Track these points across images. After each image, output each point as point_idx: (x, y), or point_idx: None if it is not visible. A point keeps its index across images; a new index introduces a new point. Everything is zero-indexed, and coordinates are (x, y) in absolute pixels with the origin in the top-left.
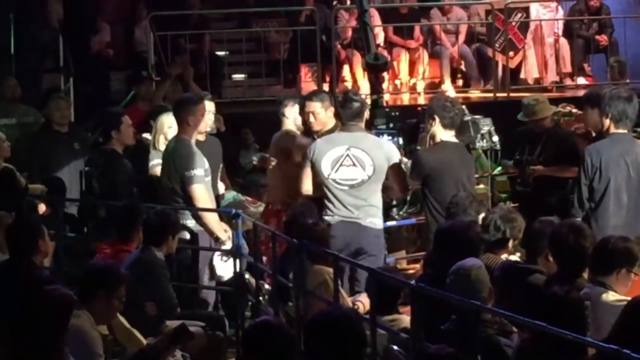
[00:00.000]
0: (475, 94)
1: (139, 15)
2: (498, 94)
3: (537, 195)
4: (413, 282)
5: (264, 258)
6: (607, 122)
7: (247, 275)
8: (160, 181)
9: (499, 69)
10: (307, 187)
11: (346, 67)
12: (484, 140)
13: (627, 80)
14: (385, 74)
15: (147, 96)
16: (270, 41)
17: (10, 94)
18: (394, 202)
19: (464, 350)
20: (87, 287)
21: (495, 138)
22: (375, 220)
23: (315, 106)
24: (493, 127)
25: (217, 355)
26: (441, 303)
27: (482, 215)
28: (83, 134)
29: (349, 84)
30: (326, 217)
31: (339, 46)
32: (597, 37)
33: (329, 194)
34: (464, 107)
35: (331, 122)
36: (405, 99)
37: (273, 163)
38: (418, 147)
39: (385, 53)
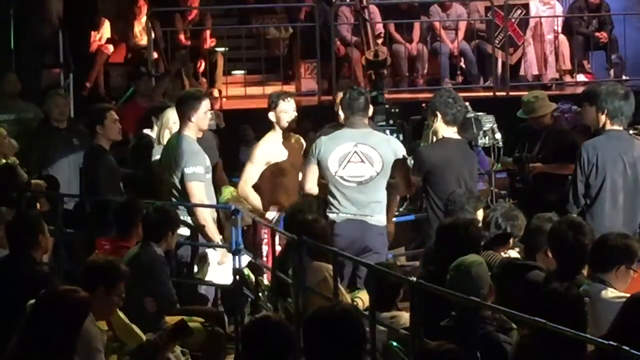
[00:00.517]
0: (475, 91)
1: (138, 11)
2: (497, 92)
3: (536, 193)
4: (413, 278)
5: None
6: (603, 118)
7: (246, 272)
8: (161, 177)
9: (499, 66)
10: (310, 185)
11: (346, 64)
12: (487, 137)
13: (627, 78)
14: (384, 71)
15: (146, 92)
16: (270, 38)
17: (9, 89)
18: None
19: (463, 346)
20: (87, 283)
21: (498, 135)
22: (380, 218)
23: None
24: (496, 125)
25: (216, 351)
26: (441, 300)
27: (480, 212)
28: (82, 129)
29: (348, 81)
30: (331, 215)
31: (338, 42)
32: (596, 34)
33: (335, 192)
34: (467, 103)
35: None
36: (405, 95)
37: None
38: (422, 144)
39: (385, 49)
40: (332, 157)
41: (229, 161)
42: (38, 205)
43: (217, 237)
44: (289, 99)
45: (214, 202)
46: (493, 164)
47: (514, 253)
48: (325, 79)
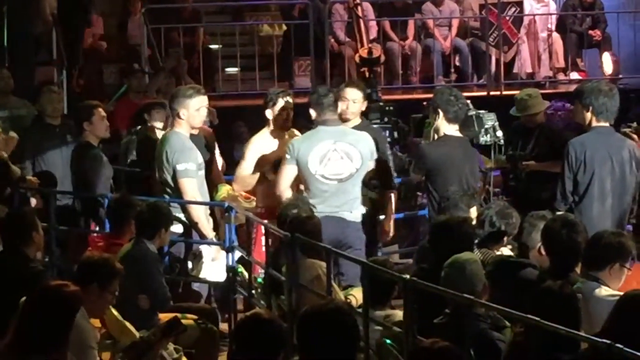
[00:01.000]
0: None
1: (132, 8)
2: (491, 90)
3: (529, 191)
4: (406, 276)
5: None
6: (588, 115)
7: (239, 269)
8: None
9: (492, 64)
10: (284, 187)
11: (339, 61)
12: (488, 135)
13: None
14: (378, 68)
15: (138, 89)
16: (264, 35)
17: (2, 86)
18: None
19: (457, 344)
20: (81, 279)
21: (499, 133)
22: (357, 214)
23: (357, 94)
24: (497, 122)
25: (209, 348)
26: (435, 297)
27: (473, 209)
28: (74, 126)
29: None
30: None
31: (332, 40)
32: (590, 32)
33: (315, 191)
34: (468, 101)
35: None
36: (399, 93)
37: None
38: (423, 141)
39: (379, 47)
40: (312, 156)
41: (223, 158)
42: (34, 201)
43: (210, 234)
44: (288, 96)
45: (207, 198)
46: (487, 162)
47: (507, 251)
48: (319, 76)
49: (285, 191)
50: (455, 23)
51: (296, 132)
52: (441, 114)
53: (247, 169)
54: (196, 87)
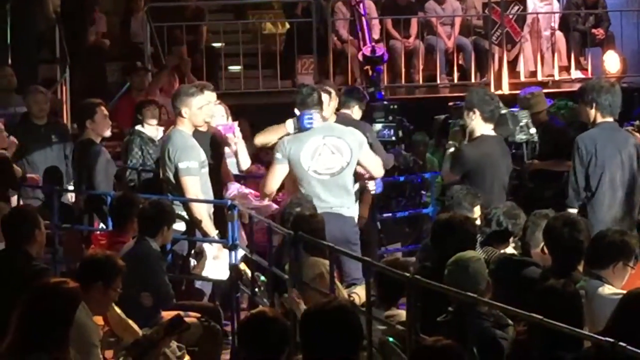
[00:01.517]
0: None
1: (135, 6)
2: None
3: (533, 189)
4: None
5: None
6: (592, 112)
7: (242, 267)
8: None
9: (495, 63)
10: (272, 187)
11: (342, 60)
12: (523, 133)
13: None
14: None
15: (141, 87)
16: (267, 33)
17: (6, 84)
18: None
19: (460, 342)
20: (85, 277)
21: (533, 130)
22: (353, 209)
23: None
24: (530, 119)
25: (212, 346)
26: (438, 295)
27: (477, 208)
28: (61, 126)
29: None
30: None
31: (335, 38)
32: (593, 30)
33: (308, 187)
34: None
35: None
36: (402, 92)
37: None
38: (450, 142)
39: (382, 45)
40: (303, 153)
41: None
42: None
43: (212, 232)
44: (325, 94)
45: (211, 196)
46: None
47: (510, 249)
48: (322, 74)
49: (273, 191)
50: (458, 21)
51: None
52: (477, 113)
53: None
54: (201, 84)
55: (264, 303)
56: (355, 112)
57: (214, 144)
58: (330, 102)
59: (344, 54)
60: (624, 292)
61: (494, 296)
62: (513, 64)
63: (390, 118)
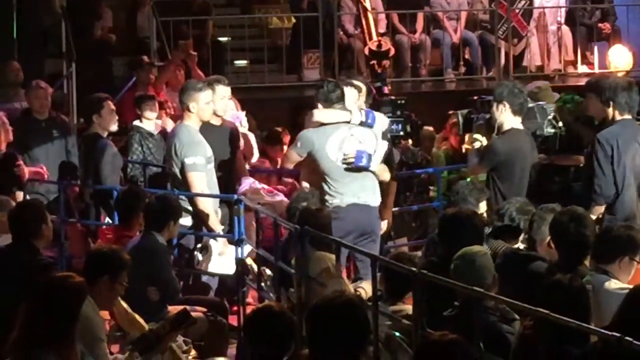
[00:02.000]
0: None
1: (141, 0)
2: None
3: (539, 184)
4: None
5: None
6: (610, 111)
7: (249, 261)
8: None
9: (502, 57)
10: (289, 165)
11: (349, 54)
12: (551, 126)
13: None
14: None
15: (147, 81)
16: (273, 27)
17: (12, 78)
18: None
19: (466, 336)
20: (91, 271)
21: (560, 123)
22: (377, 198)
23: None
24: (557, 113)
25: (218, 340)
26: (444, 290)
27: (482, 203)
28: (62, 121)
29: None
30: (334, 201)
31: (341, 33)
32: (599, 25)
33: (336, 178)
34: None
35: None
36: (408, 86)
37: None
38: (475, 136)
39: (388, 40)
40: (329, 145)
41: None
42: (20, 194)
43: (218, 228)
44: (349, 86)
45: (217, 192)
46: None
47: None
48: (328, 69)
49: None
50: (464, 15)
51: None
52: (507, 106)
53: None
54: (216, 78)
55: (270, 297)
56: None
57: (228, 138)
58: (359, 97)
59: (350, 49)
60: (631, 286)
61: (500, 291)
62: (519, 58)
63: (399, 113)
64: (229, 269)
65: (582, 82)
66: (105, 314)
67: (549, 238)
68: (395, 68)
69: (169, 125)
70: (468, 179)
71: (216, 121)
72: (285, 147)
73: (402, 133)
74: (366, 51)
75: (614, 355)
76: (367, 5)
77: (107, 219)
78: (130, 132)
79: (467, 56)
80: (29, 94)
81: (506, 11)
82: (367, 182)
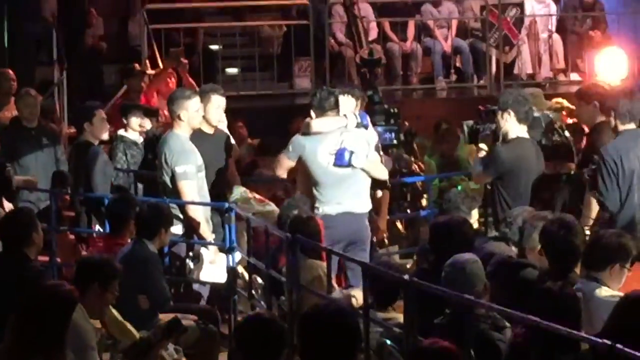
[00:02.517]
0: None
1: (132, 8)
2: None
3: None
4: (406, 276)
5: None
6: (612, 120)
7: (240, 269)
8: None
9: (493, 65)
10: (281, 175)
11: (340, 62)
12: (556, 135)
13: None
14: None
15: (138, 89)
16: (264, 35)
17: (6, 87)
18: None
19: (457, 344)
20: (82, 280)
21: (567, 133)
22: (367, 203)
23: None
24: (563, 123)
25: (210, 348)
26: (435, 297)
27: (474, 212)
28: (52, 129)
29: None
30: (325, 208)
31: (332, 41)
32: (590, 33)
33: (327, 185)
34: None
35: None
36: (399, 94)
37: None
38: (481, 146)
39: (379, 48)
40: (320, 150)
41: None
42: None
43: (209, 236)
44: (348, 95)
45: (207, 200)
46: None
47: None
48: (319, 77)
49: (283, 176)
50: (454, 24)
51: None
52: (512, 114)
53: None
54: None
55: (262, 306)
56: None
57: (220, 146)
58: (356, 107)
59: (341, 57)
60: (622, 294)
61: (491, 298)
62: (510, 66)
63: (392, 121)
64: (220, 277)
65: (573, 89)
66: (96, 322)
67: (539, 246)
68: (386, 76)
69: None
70: (459, 187)
71: (208, 129)
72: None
73: (395, 142)
74: (357, 59)
75: None
76: (357, 13)
77: (98, 227)
78: (114, 141)
79: (458, 64)
80: (19, 101)
81: (497, 19)
82: (355, 189)
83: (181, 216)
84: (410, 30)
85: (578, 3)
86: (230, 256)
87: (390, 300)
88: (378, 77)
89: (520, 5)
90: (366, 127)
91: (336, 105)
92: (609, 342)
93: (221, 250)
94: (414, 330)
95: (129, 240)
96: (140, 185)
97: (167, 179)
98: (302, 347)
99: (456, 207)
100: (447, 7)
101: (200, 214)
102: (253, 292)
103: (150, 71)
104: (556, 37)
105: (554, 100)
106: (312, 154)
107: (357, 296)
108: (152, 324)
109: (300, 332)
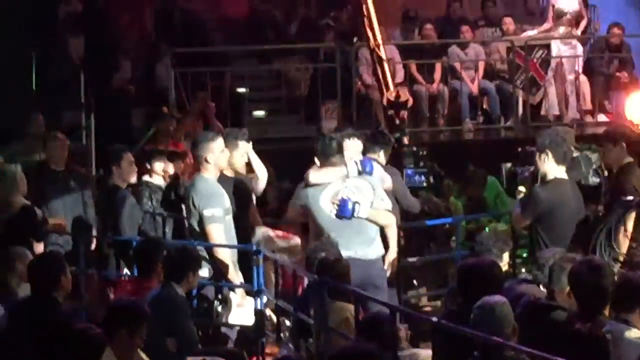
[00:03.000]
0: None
1: (159, 52)
2: (519, 133)
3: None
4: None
5: None
6: None
7: (268, 312)
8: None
9: (520, 106)
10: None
11: (367, 105)
12: (596, 176)
13: None
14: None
15: (166, 133)
16: (291, 78)
17: (35, 131)
18: None
19: None
20: (111, 324)
21: (606, 173)
22: (379, 248)
23: None
24: (602, 162)
25: None
26: (463, 339)
27: (505, 255)
28: (80, 173)
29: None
30: None
31: (359, 83)
32: (617, 74)
33: (332, 231)
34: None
35: None
36: (426, 136)
37: None
38: (520, 188)
39: (406, 90)
40: (322, 199)
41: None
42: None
43: (237, 279)
44: (353, 138)
45: (235, 243)
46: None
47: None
48: (346, 119)
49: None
50: (481, 65)
51: None
52: (550, 155)
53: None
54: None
55: (289, 348)
56: (381, 157)
57: (240, 190)
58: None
59: (368, 99)
60: None
61: (520, 340)
62: (537, 107)
63: (421, 164)
64: (248, 319)
65: (600, 131)
66: None
67: (568, 287)
68: (413, 118)
69: None
70: (487, 229)
71: (230, 172)
72: None
73: (425, 184)
74: (384, 102)
75: None
76: (383, 55)
77: (126, 270)
78: (140, 187)
79: (485, 106)
80: (47, 145)
81: (524, 61)
82: (363, 236)
83: (209, 259)
84: (437, 72)
85: (605, 44)
86: (258, 299)
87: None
88: (405, 120)
89: (547, 47)
90: (370, 173)
91: (339, 151)
92: None
93: (249, 293)
94: None
95: (157, 284)
96: (167, 229)
97: (195, 223)
98: None
99: (488, 249)
100: (474, 49)
101: (228, 257)
102: (281, 334)
103: (177, 114)
104: (583, 78)
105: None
106: (315, 203)
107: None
108: None
109: None
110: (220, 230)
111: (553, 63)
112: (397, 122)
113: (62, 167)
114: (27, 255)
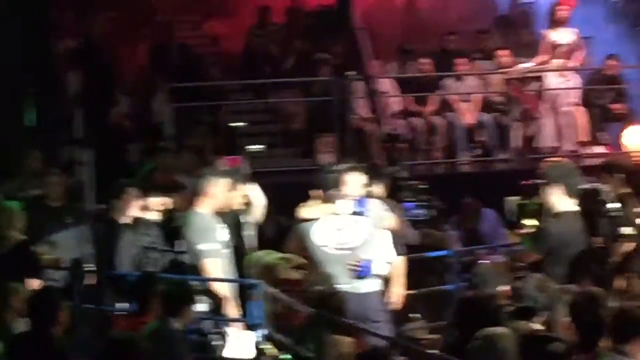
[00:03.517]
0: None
1: (156, 86)
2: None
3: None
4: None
5: None
6: None
7: (266, 345)
8: None
9: (517, 138)
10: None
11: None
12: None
13: None
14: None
15: (163, 167)
16: (287, 112)
17: (34, 167)
18: None
19: None
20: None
21: (618, 204)
22: (372, 284)
23: None
24: (614, 194)
25: None
26: None
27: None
28: (77, 208)
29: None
30: None
31: (355, 116)
32: (613, 106)
33: (327, 264)
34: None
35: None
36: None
37: None
38: (525, 222)
39: (403, 123)
40: (316, 232)
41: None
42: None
43: (234, 313)
44: (354, 172)
45: (234, 276)
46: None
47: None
48: (342, 153)
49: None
50: (477, 98)
51: None
52: (559, 187)
53: None
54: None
55: None
56: (379, 190)
57: (237, 224)
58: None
59: (365, 132)
60: None
61: None
62: (533, 139)
63: (423, 198)
64: (246, 353)
65: (597, 162)
66: None
67: (567, 319)
68: (409, 151)
69: None
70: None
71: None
72: None
73: (425, 217)
74: (380, 135)
75: None
76: (379, 88)
77: (123, 305)
78: (136, 222)
79: (482, 138)
80: (44, 181)
81: (519, 93)
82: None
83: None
84: (433, 105)
85: (600, 76)
86: (255, 332)
87: None
88: (401, 153)
89: (541, 79)
90: (361, 214)
91: (337, 182)
92: None
93: (246, 327)
94: None
95: (154, 318)
96: (164, 264)
97: (191, 257)
98: None
99: (484, 281)
100: (470, 81)
101: (225, 291)
102: None
103: (174, 149)
104: (579, 109)
105: None
106: (310, 236)
107: None
108: None
109: None
110: (216, 264)
111: (547, 95)
112: (394, 155)
113: (59, 203)
114: (21, 290)
